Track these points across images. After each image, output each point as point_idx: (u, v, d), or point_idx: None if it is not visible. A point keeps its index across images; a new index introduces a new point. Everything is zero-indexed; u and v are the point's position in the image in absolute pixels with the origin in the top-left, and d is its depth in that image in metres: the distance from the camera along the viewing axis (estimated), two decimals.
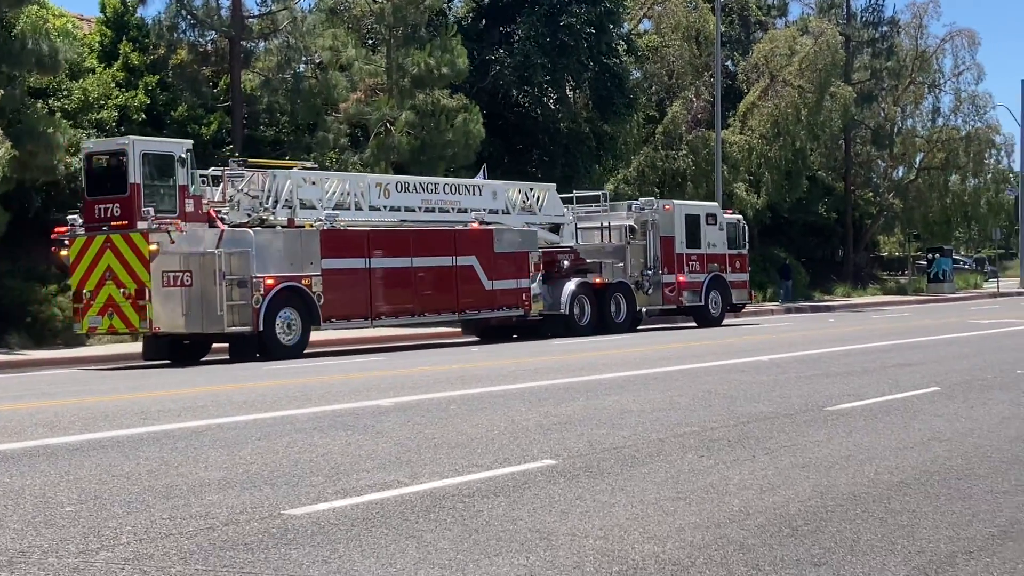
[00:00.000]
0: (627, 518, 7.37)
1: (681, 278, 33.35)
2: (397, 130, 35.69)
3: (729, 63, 57.84)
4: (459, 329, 31.13)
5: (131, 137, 24.18)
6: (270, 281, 23.56)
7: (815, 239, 64.00)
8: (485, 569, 6.25)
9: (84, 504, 8.04)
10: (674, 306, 33.77)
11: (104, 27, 36.52)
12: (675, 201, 35.81)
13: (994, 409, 12.59)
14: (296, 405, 13.93)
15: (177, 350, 24.43)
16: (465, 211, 28.90)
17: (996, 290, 62.57)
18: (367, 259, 25.68)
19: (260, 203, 24.90)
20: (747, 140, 52.52)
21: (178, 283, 23.13)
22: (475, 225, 28.68)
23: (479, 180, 30.55)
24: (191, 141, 25.33)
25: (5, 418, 13.32)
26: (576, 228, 32.48)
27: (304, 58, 37.88)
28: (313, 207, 25.62)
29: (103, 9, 36.50)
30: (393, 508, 7.75)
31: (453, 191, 29.09)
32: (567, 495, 8.09)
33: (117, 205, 23.07)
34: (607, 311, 31.07)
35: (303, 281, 24.24)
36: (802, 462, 9.32)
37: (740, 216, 37.66)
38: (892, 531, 7.01)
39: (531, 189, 31.52)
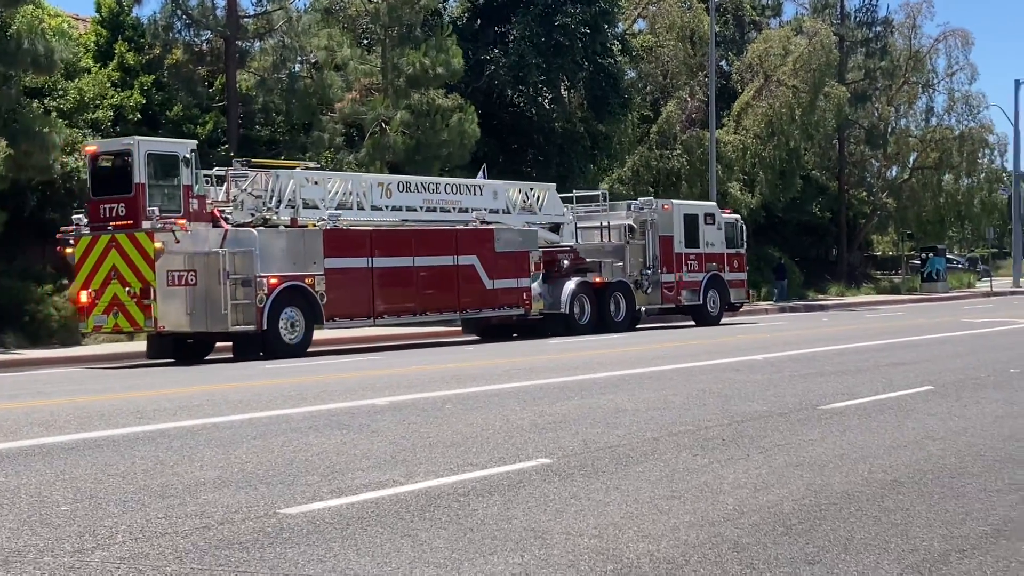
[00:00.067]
0: (622, 517, 7.40)
1: (680, 277, 33.48)
2: (392, 130, 35.70)
3: (723, 63, 57.90)
4: (460, 328, 31.22)
5: (136, 137, 24.30)
6: (273, 280, 23.67)
7: (809, 238, 64.06)
8: (480, 568, 6.27)
9: (80, 503, 8.05)
10: (673, 305, 33.89)
11: (100, 27, 36.50)
12: (674, 201, 35.92)
13: (987, 408, 12.62)
14: (291, 404, 13.94)
15: (181, 349, 24.53)
16: (466, 211, 29.02)
17: (989, 289, 62.62)
18: (369, 258, 25.81)
19: (263, 203, 25.04)
20: (741, 140, 52.57)
21: (183, 282, 23.23)
22: (476, 225, 28.79)
23: (480, 180, 30.65)
24: (195, 141, 25.52)
25: (1, 418, 13.32)
26: (576, 228, 32.58)
27: (299, 58, 37.87)
28: (316, 207, 25.74)
29: (99, 9, 36.47)
30: (388, 507, 7.77)
31: (454, 191, 29.20)
32: (562, 494, 8.11)
33: (122, 205, 23.21)
34: (607, 310, 31.19)
35: (306, 280, 24.35)
36: (796, 461, 9.34)
37: (738, 216, 37.73)
38: (886, 529, 7.03)
39: (531, 189, 31.65)
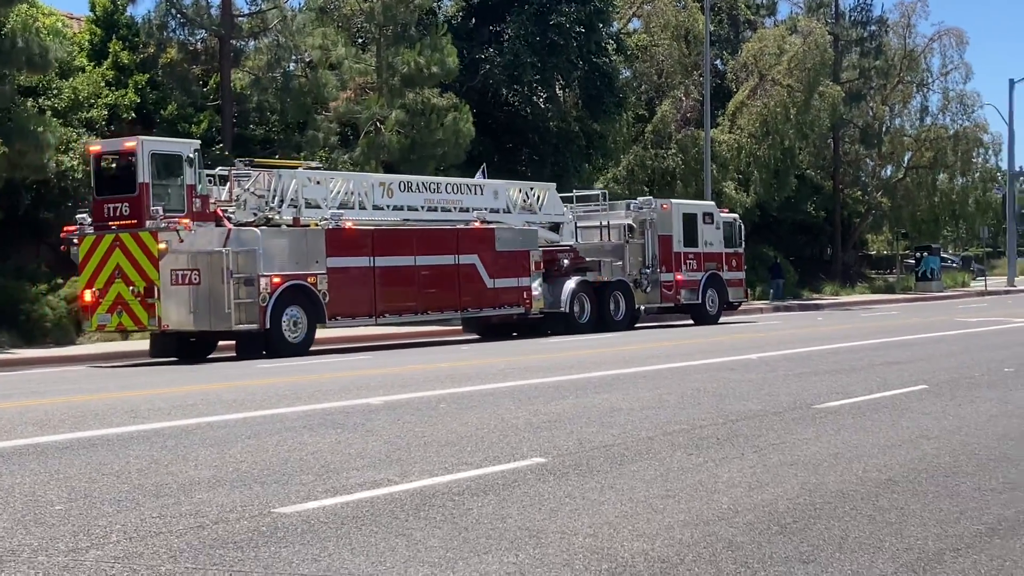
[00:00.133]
0: (616, 516, 7.40)
1: (679, 276, 33.59)
2: (387, 129, 35.70)
3: (718, 62, 57.94)
4: (461, 327, 31.30)
5: (140, 137, 24.46)
6: (276, 279, 23.79)
7: (804, 237, 64.10)
8: (475, 567, 6.27)
9: (74, 503, 8.04)
10: (672, 304, 34.00)
11: (94, 26, 36.47)
12: (673, 200, 36.01)
13: (982, 407, 12.62)
14: (286, 403, 13.93)
15: (184, 348, 24.59)
16: (467, 210, 29.18)
17: (984, 288, 62.69)
18: (371, 258, 25.94)
19: (266, 202, 25.17)
20: (736, 139, 52.61)
21: (186, 281, 23.34)
22: (477, 224, 28.87)
23: (480, 180, 30.77)
24: (199, 141, 25.73)
25: None
26: (575, 227, 32.69)
27: (294, 57, 37.87)
28: (318, 206, 25.84)
29: (93, 8, 36.45)
30: (383, 506, 7.76)
31: (455, 190, 29.32)
32: (557, 493, 8.11)
33: (126, 204, 23.34)
34: (606, 309, 31.32)
35: (309, 279, 24.46)
36: (791, 460, 9.35)
37: (736, 215, 37.83)
38: (880, 528, 7.04)
39: (531, 189, 31.80)
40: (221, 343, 25.30)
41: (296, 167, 26.58)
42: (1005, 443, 10.21)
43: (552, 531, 7.01)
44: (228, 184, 25.35)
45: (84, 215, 24.36)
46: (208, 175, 24.75)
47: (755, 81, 53.97)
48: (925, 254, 64.12)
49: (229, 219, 24.30)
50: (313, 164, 28.88)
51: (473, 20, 43.52)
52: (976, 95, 66.24)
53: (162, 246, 22.78)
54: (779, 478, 8.58)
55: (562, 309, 30.17)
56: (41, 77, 31.36)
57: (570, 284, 30.51)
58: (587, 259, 31.79)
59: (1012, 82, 68.24)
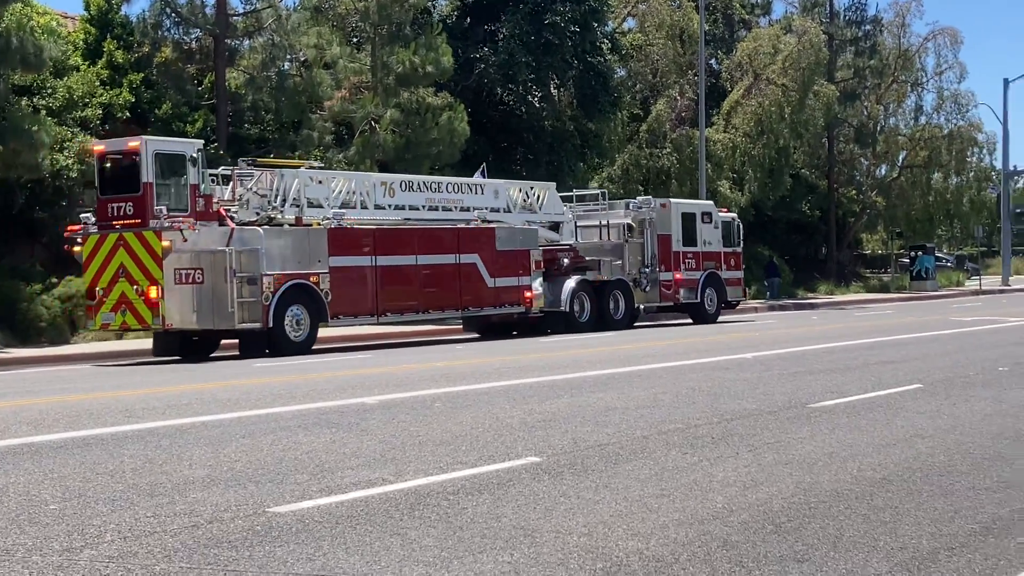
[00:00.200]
0: (611, 515, 7.40)
1: (678, 275, 33.69)
2: (382, 128, 35.69)
3: (713, 61, 57.95)
4: (461, 326, 31.34)
5: (144, 137, 24.57)
6: (279, 278, 23.81)
7: (798, 237, 64.13)
8: (469, 566, 6.27)
9: (68, 502, 8.04)
10: (671, 303, 34.09)
11: (88, 25, 36.41)
12: (672, 200, 36.08)
13: (976, 406, 12.64)
14: (281, 403, 13.92)
15: (187, 346, 24.62)
16: (468, 210, 29.27)
17: (978, 287, 62.76)
18: (373, 257, 26.00)
19: (268, 202, 25.25)
20: (731, 138, 52.63)
21: (190, 280, 23.43)
22: (477, 224, 28.91)
23: (480, 179, 30.82)
24: (202, 141, 25.85)
25: None
26: (575, 226, 32.76)
27: (289, 56, 37.87)
28: (320, 206, 25.91)
29: (87, 7, 36.37)
30: (378, 506, 7.76)
31: (456, 190, 29.40)
32: (551, 492, 8.11)
33: (130, 204, 23.43)
34: (606, 308, 31.44)
35: (311, 279, 24.53)
36: (785, 459, 9.35)
37: (735, 214, 37.90)
38: (875, 528, 7.04)
39: (531, 188, 31.88)
40: (224, 342, 25.37)
41: (298, 167, 26.64)
42: (999, 442, 10.22)
43: (547, 530, 7.01)
44: (231, 184, 25.44)
45: (88, 214, 24.47)
46: (211, 175, 24.80)
47: (750, 80, 53.99)
48: (920, 253, 64.18)
49: (232, 218, 24.39)
50: (315, 164, 28.96)
51: (468, 19, 43.52)
52: (970, 94, 66.40)
53: (166, 245, 22.89)
54: (774, 477, 8.59)
55: (562, 308, 30.27)
56: (36, 76, 31.33)
57: (570, 283, 30.61)
58: (587, 258, 31.90)
59: (1006, 81, 68.36)
